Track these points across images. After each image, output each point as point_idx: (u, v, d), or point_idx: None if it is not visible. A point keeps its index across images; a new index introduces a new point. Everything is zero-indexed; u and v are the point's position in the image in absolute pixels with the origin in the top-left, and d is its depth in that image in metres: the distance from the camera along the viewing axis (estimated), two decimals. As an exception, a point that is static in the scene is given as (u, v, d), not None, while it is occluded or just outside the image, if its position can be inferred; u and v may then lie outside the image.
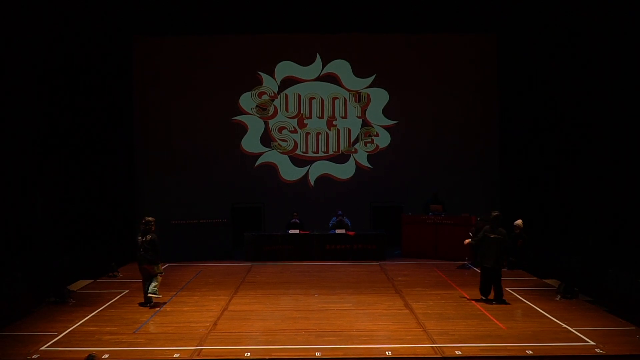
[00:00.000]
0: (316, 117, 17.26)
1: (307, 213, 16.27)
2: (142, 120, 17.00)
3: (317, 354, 7.83)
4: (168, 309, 10.25)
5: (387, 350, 7.90)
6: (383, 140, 17.23)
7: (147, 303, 10.31)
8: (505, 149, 16.73)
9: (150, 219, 10.44)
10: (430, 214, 15.25)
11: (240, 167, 17.15)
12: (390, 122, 17.21)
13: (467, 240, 11.46)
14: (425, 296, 10.97)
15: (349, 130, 17.28)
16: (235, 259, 15.11)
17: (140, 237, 10.32)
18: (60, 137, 14.37)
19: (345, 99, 17.25)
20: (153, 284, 10.27)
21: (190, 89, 17.02)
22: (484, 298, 10.44)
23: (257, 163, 17.25)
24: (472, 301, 10.55)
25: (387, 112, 17.22)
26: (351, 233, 15.26)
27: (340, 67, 17.21)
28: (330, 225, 15.74)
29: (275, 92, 17.24)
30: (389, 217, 16.44)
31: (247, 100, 17.20)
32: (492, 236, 10.27)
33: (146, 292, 10.30)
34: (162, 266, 10.76)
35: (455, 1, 15.58)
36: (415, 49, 17.09)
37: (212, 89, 17.06)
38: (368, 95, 17.24)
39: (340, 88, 17.24)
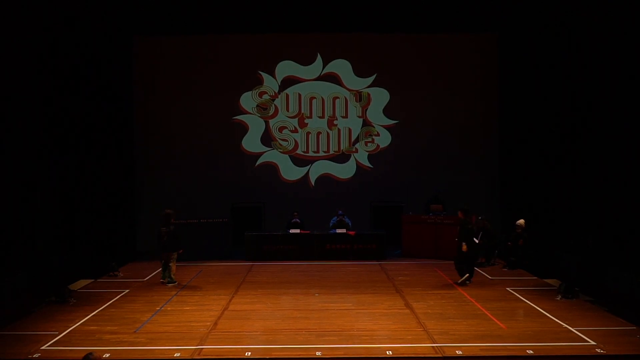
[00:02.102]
0: (317, 116, 17.27)
1: (307, 213, 16.26)
2: (142, 120, 17.00)
3: (318, 353, 7.83)
4: (169, 308, 10.26)
5: (388, 350, 7.91)
6: (384, 140, 17.23)
7: (166, 283, 12.02)
8: (505, 149, 16.73)
9: (169, 211, 12.22)
10: (430, 214, 15.25)
11: (240, 166, 17.15)
12: (391, 122, 17.21)
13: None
14: (426, 296, 10.98)
15: (350, 130, 17.28)
16: (235, 259, 15.11)
17: (163, 228, 12.00)
18: (61, 137, 14.37)
19: (345, 98, 17.25)
20: (172, 273, 12.04)
21: (190, 89, 17.02)
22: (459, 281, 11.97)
23: (258, 163, 17.25)
24: (473, 301, 10.56)
25: (387, 111, 17.22)
26: (351, 233, 15.26)
27: (341, 67, 17.21)
28: (331, 225, 15.74)
29: (276, 91, 17.24)
30: (390, 217, 16.41)
31: (247, 100, 17.21)
32: (469, 227, 12.08)
33: (164, 273, 12.05)
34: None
35: (456, 1, 15.57)
36: (416, 48, 17.09)
37: (212, 88, 17.06)
38: (369, 94, 17.24)
39: (340, 88, 17.24)
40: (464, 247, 11.80)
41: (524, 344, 8.10)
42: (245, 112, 17.22)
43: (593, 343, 8.12)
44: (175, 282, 12.08)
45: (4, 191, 12.31)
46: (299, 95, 17.25)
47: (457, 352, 7.83)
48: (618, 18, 12.35)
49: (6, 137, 12.44)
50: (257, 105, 17.23)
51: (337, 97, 17.25)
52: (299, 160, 17.31)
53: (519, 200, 15.93)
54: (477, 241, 14.11)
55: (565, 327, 8.91)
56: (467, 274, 11.92)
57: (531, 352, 7.82)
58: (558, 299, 10.64)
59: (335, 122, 17.29)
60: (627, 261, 11.54)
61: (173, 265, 12.06)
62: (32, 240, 13.09)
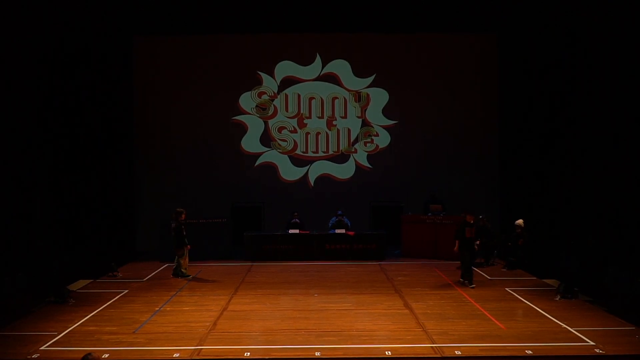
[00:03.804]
0: (316, 117, 17.27)
1: (307, 213, 16.27)
2: (142, 120, 17.00)
3: (317, 353, 7.83)
4: (168, 308, 10.26)
5: (387, 350, 7.91)
6: (383, 140, 17.23)
7: (178, 277, 12.72)
8: (505, 149, 16.73)
9: (179, 210, 12.82)
10: (429, 214, 15.24)
11: (240, 167, 17.16)
12: (390, 122, 17.21)
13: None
14: (425, 296, 10.98)
15: (349, 130, 17.28)
16: (235, 259, 15.11)
17: (172, 224, 12.77)
18: (61, 137, 14.38)
19: (345, 98, 17.25)
20: (181, 268, 12.70)
21: (190, 89, 17.02)
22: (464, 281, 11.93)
23: (257, 163, 17.25)
24: (472, 301, 10.56)
25: (386, 112, 17.22)
26: (351, 233, 15.26)
27: (340, 67, 17.21)
28: (330, 225, 15.74)
29: (275, 92, 17.24)
30: (389, 217, 16.43)
31: (247, 100, 17.21)
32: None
33: (174, 269, 12.82)
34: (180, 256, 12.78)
35: (455, 1, 15.57)
36: (415, 49, 17.09)
37: (212, 89, 17.06)
38: (368, 95, 17.24)
39: (340, 88, 17.24)
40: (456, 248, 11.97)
41: (523, 344, 8.10)
42: (245, 113, 17.22)
43: (592, 343, 8.12)
44: (187, 276, 12.69)
45: (4, 191, 12.31)
46: (298, 95, 17.25)
47: (456, 352, 7.83)
48: (618, 17, 12.36)
49: (6, 137, 12.45)
50: (257, 106, 17.24)
51: (337, 98, 17.25)
52: (298, 161, 17.31)
53: (519, 200, 15.93)
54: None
55: (565, 328, 8.90)
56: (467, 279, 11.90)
57: (530, 352, 7.82)
58: (557, 299, 10.63)
59: (334, 122, 17.29)
60: (627, 261, 11.54)
61: (182, 261, 12.72)
62: (32, 241, 13.09)
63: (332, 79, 17.24)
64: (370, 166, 17.25)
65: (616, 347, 7.98)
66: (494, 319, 9.37)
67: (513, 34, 16.15)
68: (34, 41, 13.27)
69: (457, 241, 11.97)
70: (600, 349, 7.88)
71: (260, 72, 17.19)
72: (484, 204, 16.32)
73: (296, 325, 9.15)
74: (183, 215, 12.83)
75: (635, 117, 11.96)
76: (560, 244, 14.13)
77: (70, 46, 14.63)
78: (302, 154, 17.30)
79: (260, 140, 17.24)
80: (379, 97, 17.21)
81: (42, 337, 8.52)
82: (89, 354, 6.21)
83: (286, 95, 17.25)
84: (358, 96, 17.25)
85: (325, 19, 16.09)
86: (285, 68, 17.19)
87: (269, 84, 17.23)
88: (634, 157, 11.96)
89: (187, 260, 12.88)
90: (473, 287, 11.58)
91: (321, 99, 17.25)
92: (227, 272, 13.51)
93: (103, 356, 7.66)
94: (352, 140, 17.28)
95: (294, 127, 17.27)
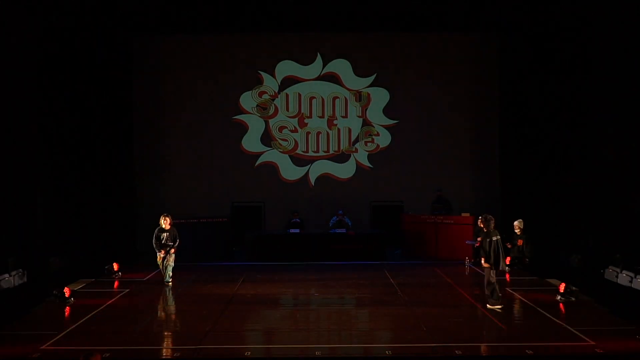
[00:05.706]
0: (317, 116, 17.26)
1: (307, 212, 16.28)
2: (142, 121, 17.00)
3: (317, 353, 7.81)
4: (169, 308, 10.24)
5: (387, 350, 7.90)
6: (383, 139, 17.23)
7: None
8: (505, 149, 16.72)
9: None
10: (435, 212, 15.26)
11: (240, 166, 17.16)
12: (391, 122, 17.21)
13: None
14: (425, 296, 10.97)
15: (350, 130, 17.28)
16: (235, 259, 15.11)
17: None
18: (60, 137, 14.38)
19: (345, 98, 17.25)
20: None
21: (190, 89, 17.03)
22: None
23: (258, 162, 17.25)
24: (473, 301, 10.55)
25: (387, 111, 17.21)
26: (351, 233, 15.25)
27: (341, 67, 17.21)
28: (331, 224, 15.74)
29: (276, 91, 17.24)
30: (390, 217, 16.43)
31: (247, 100, 17.21)
32: (494, 238, 9.95)
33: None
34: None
35: (456, 1, 15.55)
36: (415, 48, 17.09)
37: (212, 88, 17.07)
38: (368, 94, 17.24)
39: (340, 87, 17.23)
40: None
41: (523, 344, 8.07)
42: (245, 112, 17.22)
43: (592, 343, 8.10)
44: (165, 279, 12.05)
45: (4, 191, 12.32)
46: (299, 95, 17.25)
47: (456, 352, 7.81)
48: (618, 18, 12.35)
49: (6, 137, 12.45)
50: (257, 105, 17.24)
51: (337, 97, 17.25)
52: (299, 160, 17.31)
53: (519, 200, 15.92)
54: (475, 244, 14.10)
55: (565, 327, 8.89)
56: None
57: (531, 352, 7.80)
58: (558, 298, 10.62)
59: (335, 122, 17.29)
60: (627, 261, 11.54)
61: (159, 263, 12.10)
62: (32, 240, 13.09)
63: (332, 78, 17.24)
64: (370, 166, 17.25)
65: (617, 346, 7.97)
66: (494, 319, 9.36)
67: (514, 33, 16.13)
68: (33, 41, 13.27)
69: (482, 258, 9.88)
70: (600, 349, 7.86)
71: (260, 72, 17.19)
72: (484, 204, 16.30)
73: (296, 325, 9.15)
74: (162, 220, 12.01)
75: (636, 117, 11.96)
76: (560, 243, 14.12)
77: (69, 46, 14.62)
78: (302, 153, 17.30)
79: (260, 140, 17.24)
80: (380, 97, 17.21)
81: (42, 337, 8.49)
82: (90, 353, 6.21)
83: (287, 95, 17.25)
84: (359, 96, 17.25)
85: (325, 18, 16.07)
86: (286, 67, 17.19)
87: (269, 83, 17.23)
88: (635, 156, 11.96)
89: (162, 265, 11.99)
90: (487, 307, 9.84)
91: (322, 98, 17.25)
92: (228, 272, 13.51)
93: (103, 356, 7.66)
94: (352, 139, 17.28)
95: (294, 126, 17.27)
